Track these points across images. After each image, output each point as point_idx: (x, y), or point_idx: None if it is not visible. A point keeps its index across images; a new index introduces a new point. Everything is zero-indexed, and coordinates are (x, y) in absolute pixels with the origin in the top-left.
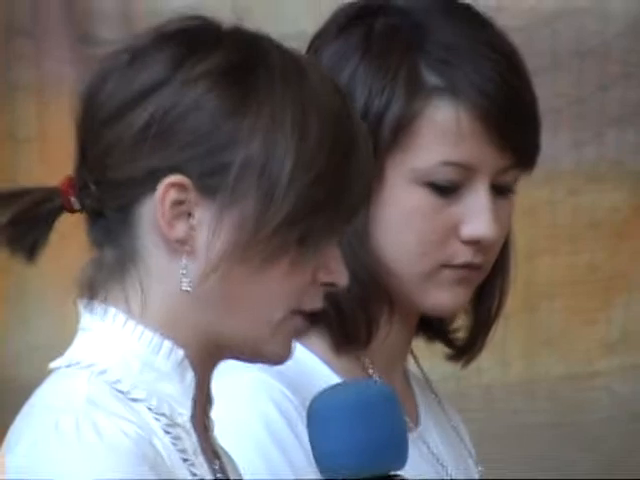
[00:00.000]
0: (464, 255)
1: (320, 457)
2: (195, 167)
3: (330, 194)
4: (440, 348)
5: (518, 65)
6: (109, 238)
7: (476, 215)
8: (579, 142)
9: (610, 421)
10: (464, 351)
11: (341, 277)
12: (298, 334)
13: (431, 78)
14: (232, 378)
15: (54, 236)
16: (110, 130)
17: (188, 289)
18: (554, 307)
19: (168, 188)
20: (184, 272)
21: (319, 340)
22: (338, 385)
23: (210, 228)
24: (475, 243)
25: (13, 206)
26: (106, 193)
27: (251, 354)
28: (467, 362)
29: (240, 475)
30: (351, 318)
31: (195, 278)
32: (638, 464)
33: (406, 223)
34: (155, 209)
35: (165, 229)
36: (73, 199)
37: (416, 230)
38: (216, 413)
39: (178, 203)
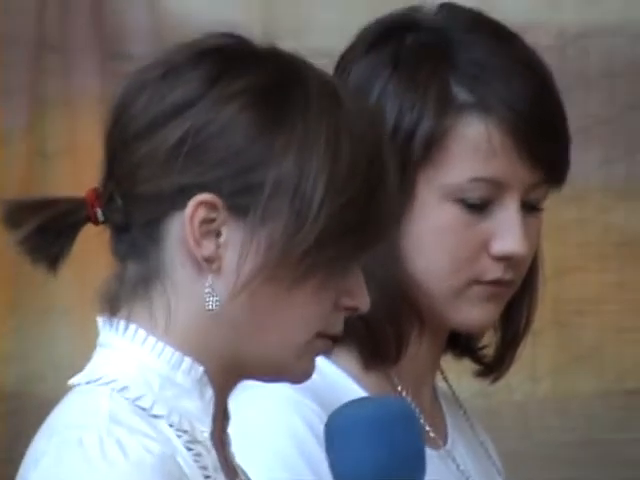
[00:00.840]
0: (494, 271)
1: (336, 474)
2: (226, 186)
3: (361, 218)
4: (468, 365)
5: (548, 81)
6: (134, 253)
7: (507, 231)
8: (609, 161)
9: None
10: (493, 368)
11: (363, 302)
12: (322, 354)
13: (461, 94)
14: (260, 392)
15: (79, 253)
16: (142, 144)
17: (213, 308)
18: (583, 324)
19: (198, 206)
20: (209, 291)
21: (348, 356)
22: (355, 402)
23: (239, 248)
24: (506, 259)
25: (38, 215)
26: (133, 207)
27: (274, 375)
28: (496, 379)
29: None
30: (381, 334)
31: (222, 297)
32: None
33: (437, 239)
34: (183, 226)
35: (193, 247)
36: (98, 211)
37: (447, 246)
38: (243, 428)
39: (207, 221)
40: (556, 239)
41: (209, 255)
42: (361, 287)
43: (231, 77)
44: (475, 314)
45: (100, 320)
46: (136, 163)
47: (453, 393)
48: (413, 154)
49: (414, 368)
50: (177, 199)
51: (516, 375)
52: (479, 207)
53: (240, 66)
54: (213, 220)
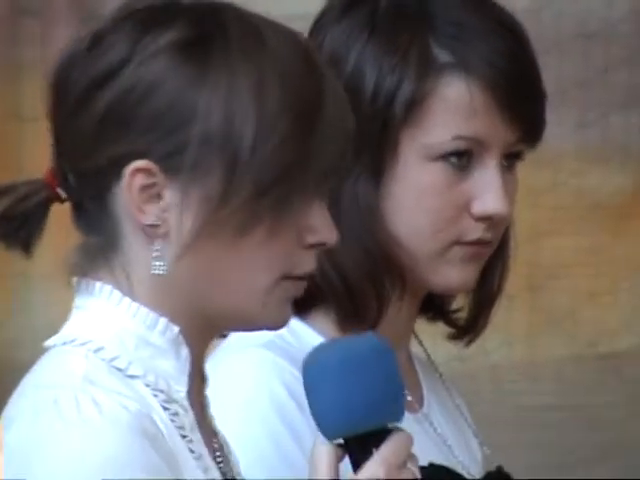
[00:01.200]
0: (476, 231)
1: (316, 416)
2: (158, 149)
3: (300, 155)
4: (443, 329)
5: (524, 40)
6: (91, 226)
7: (488, 191)
8: (583, 124)
9: (615, 403)
10: (466, 330)
11: (329, 234)
12: (293, 299)
13: (442, 55)
14: (240, 357)
15: (56, 221)
16: (76, 120)
17: (161, 272)
18: (558, 287)
19: (134, 174)
20: (157, 256)
21: (325, 319)
22: (328, 343)
23: (179, 208)
24: (486, 219)
25: (1, 203)
26: (81, 183)
27: (245, 324)
28: (469, 341)
29: (235, 456)
30: (361, 294)
31: (171, 260)
32: None
33: (419, 200)
34: (125, 196)
35: (137, 215)
36: (59, 189)
37: (429, 207)
38: (224, 392)
39: (146, 188)
40: (530, 203)
41: (154, 220)
42: (324, 220)
43: (150, 38)
44: (455, 275)
45: (75, 283)
46: (74, 139)
47: (428, 357)
48: (395, 116)
49: (391, 331)
50: (114, 170)
51: (491, 339)
52: (460, 167)
53: (160, 25)
54: (152, 185)
